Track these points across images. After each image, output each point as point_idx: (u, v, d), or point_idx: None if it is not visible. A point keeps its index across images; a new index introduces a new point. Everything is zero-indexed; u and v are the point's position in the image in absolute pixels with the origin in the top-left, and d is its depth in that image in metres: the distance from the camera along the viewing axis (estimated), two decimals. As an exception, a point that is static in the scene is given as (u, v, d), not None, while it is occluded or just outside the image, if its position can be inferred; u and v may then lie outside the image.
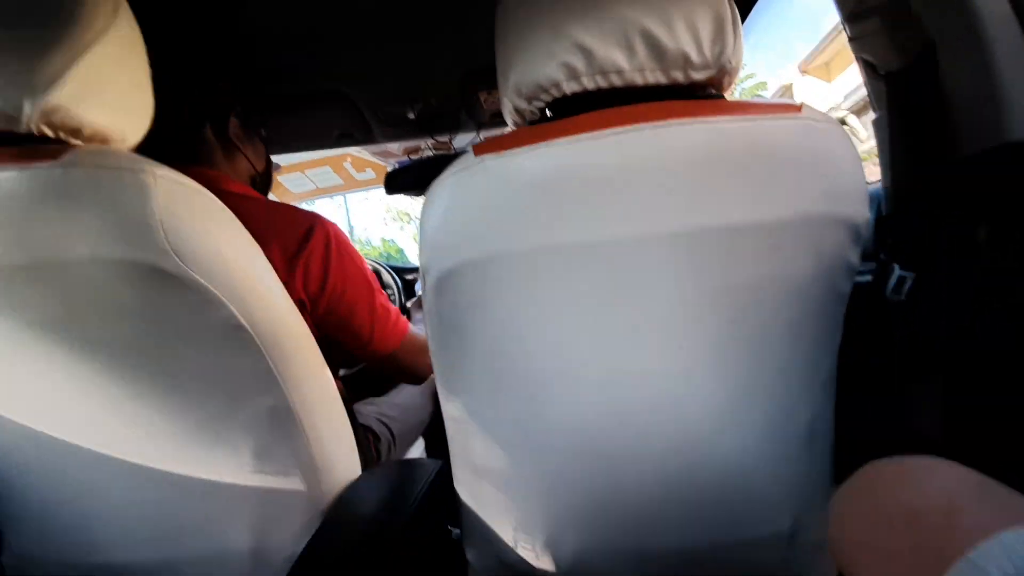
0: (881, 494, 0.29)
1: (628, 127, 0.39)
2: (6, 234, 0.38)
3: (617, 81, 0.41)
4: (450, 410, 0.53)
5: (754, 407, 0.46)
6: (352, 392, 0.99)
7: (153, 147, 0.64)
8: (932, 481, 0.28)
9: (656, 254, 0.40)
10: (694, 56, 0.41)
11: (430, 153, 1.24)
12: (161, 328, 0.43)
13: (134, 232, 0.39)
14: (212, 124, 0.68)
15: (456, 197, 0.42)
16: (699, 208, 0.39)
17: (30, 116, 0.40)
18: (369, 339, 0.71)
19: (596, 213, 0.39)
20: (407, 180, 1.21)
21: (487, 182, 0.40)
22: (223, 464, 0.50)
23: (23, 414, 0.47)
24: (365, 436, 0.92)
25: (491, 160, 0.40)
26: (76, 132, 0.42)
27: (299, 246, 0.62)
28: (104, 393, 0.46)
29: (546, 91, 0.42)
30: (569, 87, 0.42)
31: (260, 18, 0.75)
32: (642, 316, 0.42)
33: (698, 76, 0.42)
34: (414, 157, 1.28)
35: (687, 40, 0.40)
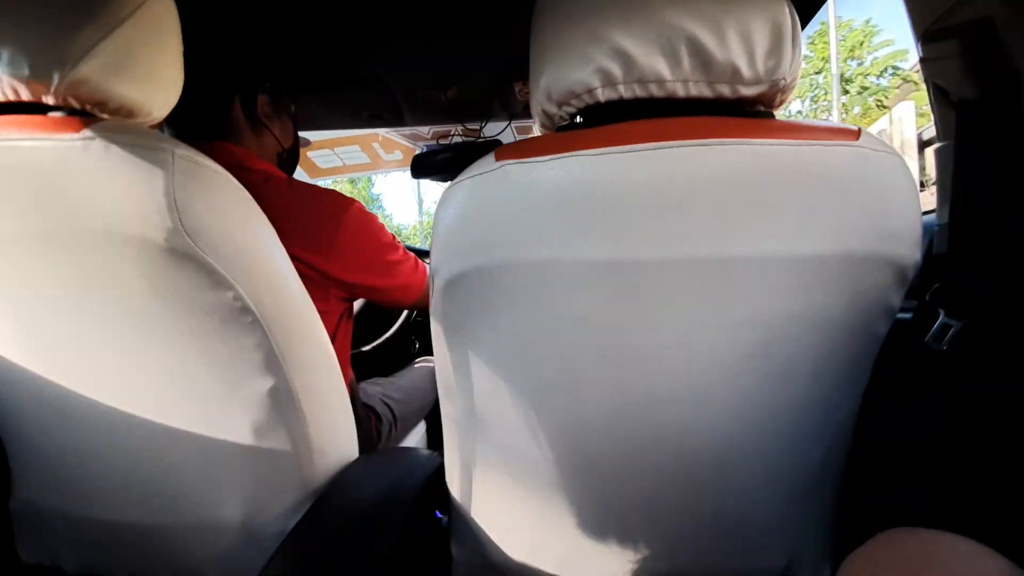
0: (900, 573, 0.27)
1: (663, 143, 0.36)
2: (25, 202, 0.39)
3: (657, 91, 0.38)
4: (448, 409, 0.52)
5: (763, 442, 0.44)
6: (360, 371, 1.00)
7: (182, 120, 0.65)
8: (955, 565, 0.26)
9: (678, 279, 0.38)
10: (744, 70, 0.37)
11: (459, 139, 1.23)
12: (168, 304, 0.43)
13: (148, 209, 0.38)
14: (241, 100, 0.68)
15: (472, 201, 0.40)
16: (732, 235, 0.36)
17: (58, 87, 0.40)
18: (399, 293, 0.75)
19: (618, 231, 0.37)
20: (434, 164, 1.20)
21: (505, 189, 0.38)
22: (220, 438, 0.50)
23: (38, 370, 0.48)
24: (367, 416, 0.93)
25: (512, 166, 0.38)
26: (102, 104, 0.42)
27: (332, 230, 0.63)
28: (111, 359, 0.46)
29: (579, 97, 0.40)
30: (604, 94, 0.39)
31: (297, 2, 0.74)
32: (655, 340, 0.40)
33: (747, 92, 0.38)
34: (443, 142, 1.26)
35: (739, 52, 0.37)
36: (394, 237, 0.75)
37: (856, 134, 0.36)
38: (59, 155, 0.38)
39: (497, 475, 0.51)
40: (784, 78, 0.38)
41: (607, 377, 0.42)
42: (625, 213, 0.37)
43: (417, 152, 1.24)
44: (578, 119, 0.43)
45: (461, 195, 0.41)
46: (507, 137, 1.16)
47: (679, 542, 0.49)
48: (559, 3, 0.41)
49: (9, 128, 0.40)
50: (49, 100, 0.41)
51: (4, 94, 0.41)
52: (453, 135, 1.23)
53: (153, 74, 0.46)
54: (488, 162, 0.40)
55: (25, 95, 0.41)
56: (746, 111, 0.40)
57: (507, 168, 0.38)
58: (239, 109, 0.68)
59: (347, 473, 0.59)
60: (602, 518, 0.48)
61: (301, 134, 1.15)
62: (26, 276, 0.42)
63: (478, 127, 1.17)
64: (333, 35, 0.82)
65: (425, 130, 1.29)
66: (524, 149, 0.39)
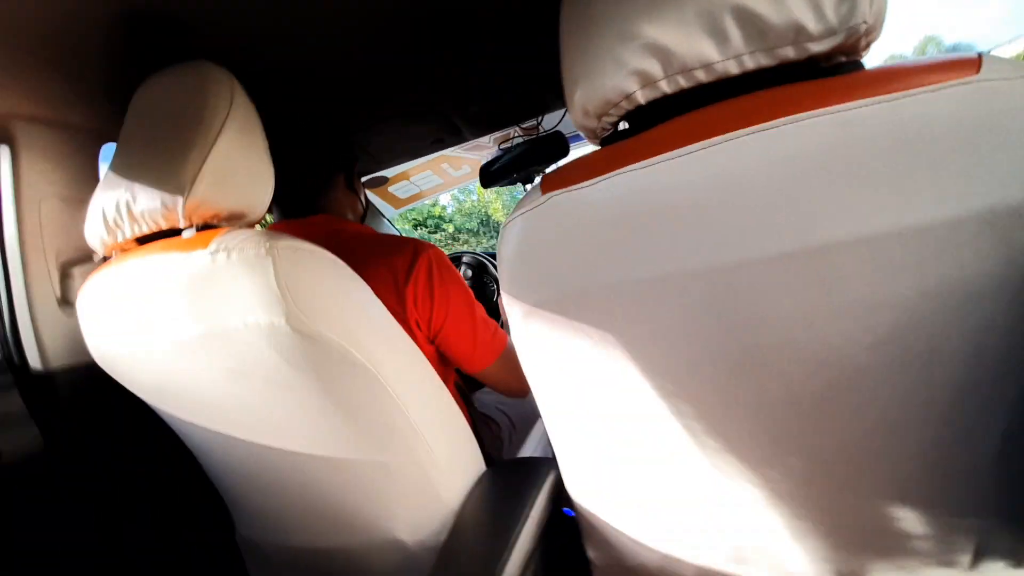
0: None
1: (719, 139, 0.32)
2: (185, 312, 0.48)
3: (704, 77, 0.34)
4: (551, 426, 0.54)
5: (924, 432, 0.38)
6: (471, 383, 1.07)
7: (289, 201, 0.75)
8: None
9: (767, 277, 0.34)
10: (811, 25, 0.32)
11: (519, 139, 1.23)
12: (303, 373, 0.50)
13: (268, 299, 0.45)
14: (345, 179, 0.80)
15: (526, 238, 0.40)
16: (827, 220, 0.32)
17: (183, 212, 0.49)
18: (470, 354, 0.76)
19: (684, 242, 0.34)
20: (500, 171, 1.22)
21: (556, 221, 0.38)
22: (367, 472, 0.58)
23: (236, 437, 0.59)
24: (487, 426, 1.00)
25: (559, 197, 0.37)
26: (217, 216, 0.51)
27: (406, 274, 0.69)
28: (278, 421, 0.56)
29: (616, 105, 0.37)
30: (645, 95, 0.36)
31: (361, 63, 0.80)
32: (752, 344, 0.37)
33: (818, 48, 0.32)
34: (504, 146, 1.28)
35: (800, 5, 0.31)
36: (472, 295, 0.78)
37: (975, 64, 0.29)
38: (197, 269, 0.47)
39: (601, 488, 0.51)
40: (865, 21, 0.32)
41: (708, 386, 0.40)
42: (688, 222, 0.34)
43: (482, 163, 1.27)
44: (623, 124, 0.40)
45: (515, 232, 0.41)
46: (566, 125, 1.12)
47: (825, 550, 0.44)
48: (581, 8, 0.38)
49: (158, 252, 0.50)
50: (181, 224, 0.50)
51: (148, 226, 0.52)
52: (513, 137, 1.23)
53: (250, 177, 0.54)
54: (535, 196, 0.39)
55: (163, 224, 0.51)
56: (821, 67, 0.34)
57: (555, 200, 0.38)
58: (343, 186, 0.80)
59: (478, 489, 0.65)
60: (737, 527, 0.46)
61: (379, 174, 1.25)
62: (203, 368, 0.53)
63: (535, 123, 1.15)
64: (391, 83, 0.88)
65: (486, 139, 1.31)
66: (569, 175, 0.38)
